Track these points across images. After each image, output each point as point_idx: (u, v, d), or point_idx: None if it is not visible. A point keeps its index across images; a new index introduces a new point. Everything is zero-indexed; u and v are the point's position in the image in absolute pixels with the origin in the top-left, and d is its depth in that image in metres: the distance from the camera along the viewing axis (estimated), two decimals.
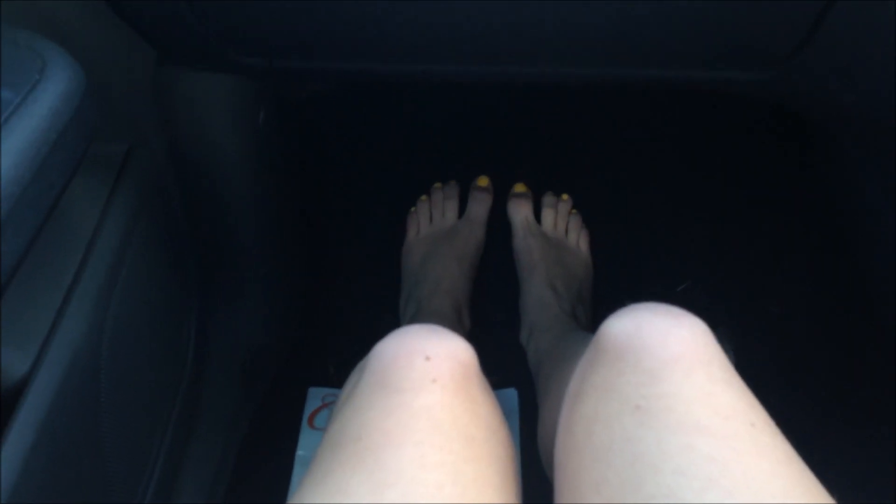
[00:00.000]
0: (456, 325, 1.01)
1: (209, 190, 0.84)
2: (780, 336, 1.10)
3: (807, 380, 1.05)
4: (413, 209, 1.18)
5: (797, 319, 1.11)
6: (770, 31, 0.54)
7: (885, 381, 0.99)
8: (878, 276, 0.86)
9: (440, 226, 1.14)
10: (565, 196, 1.17)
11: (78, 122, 0.46)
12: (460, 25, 0.58)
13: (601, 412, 0.46)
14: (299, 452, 1.00)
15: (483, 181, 1.18)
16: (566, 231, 1.14)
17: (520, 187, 1.16)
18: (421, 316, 1.00)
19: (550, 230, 1.13)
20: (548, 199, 1.16)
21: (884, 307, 0.87)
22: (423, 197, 1.18)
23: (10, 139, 0.41)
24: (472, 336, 1.06)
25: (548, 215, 1.14)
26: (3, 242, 0.40)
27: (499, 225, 1.17)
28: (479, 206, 1.16)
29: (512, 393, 1.04)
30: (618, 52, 0.61)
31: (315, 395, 1.06)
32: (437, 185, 1.19)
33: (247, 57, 0.68)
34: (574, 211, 1.17)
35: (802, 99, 0.65)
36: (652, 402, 0.43)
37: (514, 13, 0.57)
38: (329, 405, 1.04)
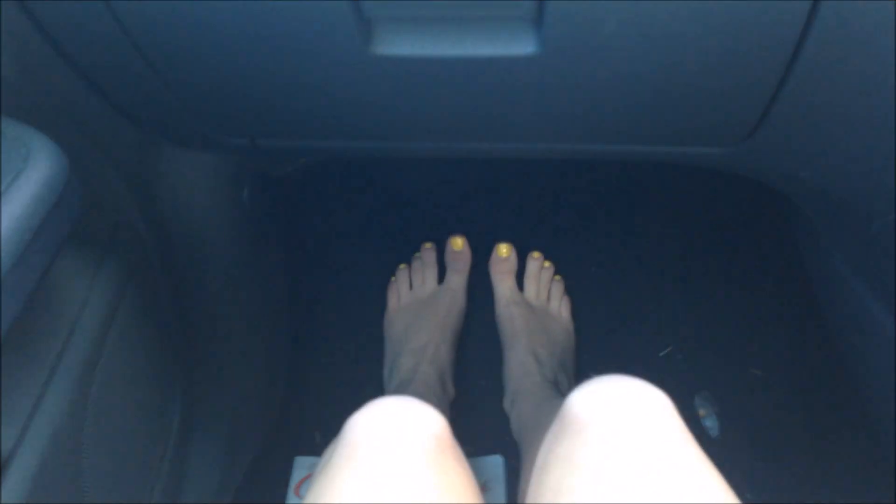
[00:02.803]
0: (440, 394, 1.02)
1: (194, 266, 0.85)
2: (762, 398, 1.11)
3: (789, 441, 1.06)
4: (393, 278, 1.19)
5: (778, 382, 1.12)
6: (724, 117, 0.57)
7: (866, 440, 0.99)
8: (847, 341, 0.88)
9: (420, 294, 1.15)
10: (547, 263, 1.18)
11: (60, 209, 0.47)
12: (440, 112, 0.61)
13: (565, 484, 0.47)
14: None
15: (457, 245, 1.17)
16: (548, 298, 1.15)
17: (503, 250, 1.16)
18: (405, 386, 1.00)
19: (533, 298, 1.14)
20: (532, 265, 1.17)
21: (855, 369, 0.89)
22: (402, 265, 1.20)
23: None
24: (458, 404, 1.07)
25: (531, 284, 1.15)
26: None
27: (481, 288, 1.19)
28: (457, 276, 1.17)
29: (497, 460, 1.05)
30: (589, 132, 0.64)
31: (301, 465, 1.06)
32: (417, 254, 1.21)
33: (229, 137, 0.70)
34: (558, 277, 1.18)
35: (764, 174, 0.68)
36: (614, 474, 0.45)
37: (494, 105, 0.59)
38: None
